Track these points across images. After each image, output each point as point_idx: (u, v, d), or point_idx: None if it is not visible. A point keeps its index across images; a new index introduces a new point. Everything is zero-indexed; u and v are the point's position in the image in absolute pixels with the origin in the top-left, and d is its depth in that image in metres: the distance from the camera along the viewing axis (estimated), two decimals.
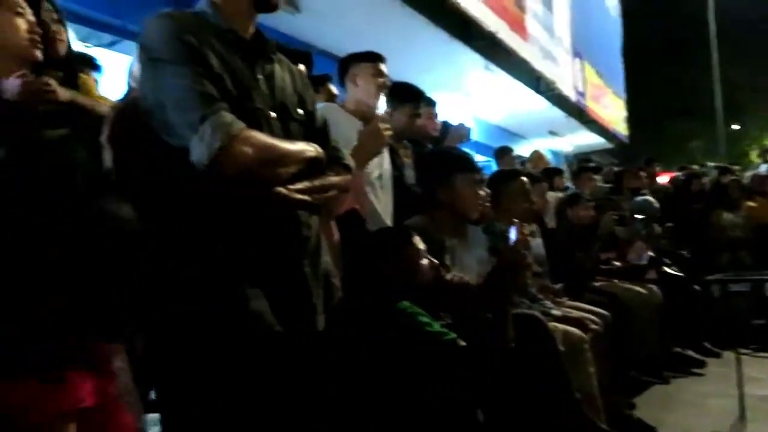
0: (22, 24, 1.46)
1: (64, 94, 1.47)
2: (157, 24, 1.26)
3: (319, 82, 2.83)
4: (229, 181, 1.20)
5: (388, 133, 2.06)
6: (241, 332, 1.22)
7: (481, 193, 2.35)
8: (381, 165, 2.35)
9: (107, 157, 1.45)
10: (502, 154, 5.66)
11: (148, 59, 1.25)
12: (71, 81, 1.63)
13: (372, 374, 1.59)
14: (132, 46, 4.16)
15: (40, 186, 1.31)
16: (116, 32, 4.26)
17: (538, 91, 9.15)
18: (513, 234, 1.72)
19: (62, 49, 1.69)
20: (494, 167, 5.38)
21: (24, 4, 1.48)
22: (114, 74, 3.05)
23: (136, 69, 1.67)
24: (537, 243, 3.25)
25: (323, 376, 1.40)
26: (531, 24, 8.64)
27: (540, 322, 2.34)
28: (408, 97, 2.90)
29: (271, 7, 1.40)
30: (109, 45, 4.35)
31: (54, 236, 1.24)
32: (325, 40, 5.24)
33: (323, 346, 1.39)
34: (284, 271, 1.32)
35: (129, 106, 1.51)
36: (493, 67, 7.51)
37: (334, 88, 3.12)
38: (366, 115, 2.26)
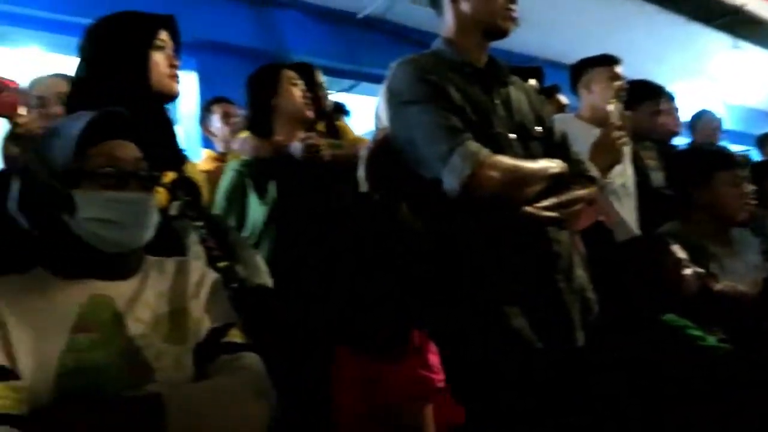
0: (297, 92, 1.87)
1: (326, 152, 1.83)
2: (402, 70, 1.40)
3: (547, 94, 2.80)
4: (479, 205, 1.27)
5: (623, 141, 1.94)
6: (503, 349, 1.27)
7: (746, 190, 2.08)
8: (624, 172, 2.23)
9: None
10: (766, 140, 4.91)
11: (397, 102, 1.39)
12: (332, 129, 1.97)
13: (638, 391, 1.50)
14: (368, 87, 4.59)
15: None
16: (354, 77, 4.72)
17: None
18: None
19: (326, 106, 2.06)
20: (756, 157, 4.69)
21: (296, 75, 1.85)
22: (355, 114, 3.41)
23: (381, 110, 1.85)
24: None
25: (586, 393, 1.38)
26: None
27: None
28: (646, 94, 2.71)
29: (502, 34, 1.45)
30: (349, 89, 4.84)
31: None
32: (549, 48, 5.15)
33: (584, 362, 1.37)
34: (539, 288, 1.34)
35: (380, 145, 1.68)
36: (742, 43, 6.59)
37: (563, 98, 3.06)
38: (603, 122, 2.17)
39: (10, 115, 1.24)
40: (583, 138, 1.95)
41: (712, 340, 1.48)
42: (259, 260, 1.46)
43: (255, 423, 0.96)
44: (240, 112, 2.77)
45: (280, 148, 1.84)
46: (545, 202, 1.32)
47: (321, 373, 1.16)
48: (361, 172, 1.68)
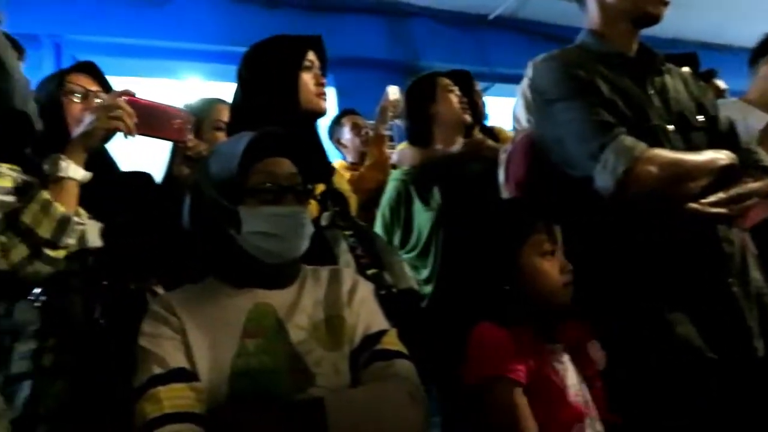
0: (454, 98, 1.94)
1: (489, 145, 1.89)
2: (546, 67, 1.35)
3: (704, 79, 2.56)
4: (637, 203, 1.18)
5: None
6: (670, 358, 1.17)
7: None
8: None
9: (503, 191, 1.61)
10: None
11: (542, 101, 1.34)
12: (489, 134, 2.09)
13: None
14: (503, 88, 4.51)
15: None
16: (487, 79, 4.66)
17: None
18: None
19: (482, 112, 2.31)
20: None
21: (451, 82, 1.96)
22: (491, 117, 3.36)
23: (519, 111, 1.81)
24: None
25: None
26: None
27: None
28: None
29: (653, 19, 1.35)
30: (483, 91, 4.77)
31: None
32: (699, 30, 4.73)
33: (765, 373, 1.22)
34: (709, 293, 1.22)
35: (520, 147, 1.63)
36: None
37: (721, 83, 2.79)
38: None
39: (181, 140, 1.37)
40: (755, 125, 1.77)
41: None
42: (405, 266, 1.49)
43: (412, 429, 0.97)
44: (369, 124, 2.87)
45: (442, 153, 1.87)
46: (712, 198, 1.20)
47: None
48: (500, 176, 1.64)
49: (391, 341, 1.07)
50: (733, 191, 1.22)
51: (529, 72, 1.70)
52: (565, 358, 1.19)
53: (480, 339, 1.15)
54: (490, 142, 1.96)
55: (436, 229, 1.72)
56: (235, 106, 1.47)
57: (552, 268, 1.19)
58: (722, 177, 1.22)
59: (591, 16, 1.41)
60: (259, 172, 1.05)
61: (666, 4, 1.34)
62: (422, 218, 1.74)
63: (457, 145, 1.88)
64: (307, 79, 1.38)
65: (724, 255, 1.24)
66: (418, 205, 1.76)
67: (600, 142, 1.20)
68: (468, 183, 1.77)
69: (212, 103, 1.69)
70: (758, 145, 1.65)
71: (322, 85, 1.41)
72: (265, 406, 0.93)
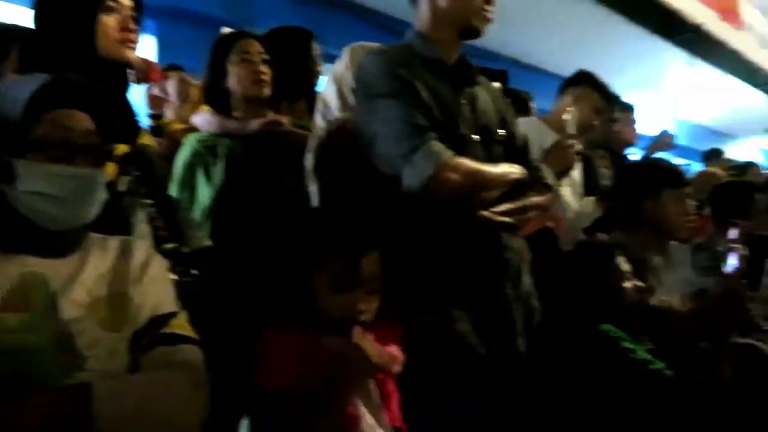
0: (244, 68, 1.73)
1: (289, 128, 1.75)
2: (373, 61, 1.37)
3: (521, 101, 2.71)
4: (438, 206, 1.26)
5: (576, 149, 1.96)
6: (448, 353, 1.28)
7: (690, 209, 2.15)
8: (572, 179, 2.27)
9: (311, 187, 1.56)
10: (712, 157, 5.10)
11: (366, 94, 1.36)
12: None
13: (572, 398, 1.54)
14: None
15: None
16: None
17: (754, 85, 8.10)
18: (733, 259, 1.57)
19: (315, 81, 2.03)
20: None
21: (254, 49, 1.74)
22: None
23: (331, 97, 1.72)
24: None
25: (524, 399, 1.40)
26: (747, 10, 7.67)
27: (761, 352, 2.07)
28: None
29: (476, 34, 1.44)
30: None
31: None
32: (513, 47, 5.18)
33: (525, 368, 1.39)
34: (487, 294, 1.35)
35: (334, 135, 1.60)
36: (697, 61, 6.84)
37: (534, 106, 2.98)
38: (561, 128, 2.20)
39: None
40: (541, 141, 1.96)
41: (642, 352, 1.52)
42: (206, 241, 1.42)
43: (188, 420, 0.93)
44: (196, 83, 2.67)
45: (236, 127, 1.75)
46: (501, 207, 1.33)
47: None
48: (308, 162, 1.58)
49: (181, 324, 1.01)
50: (519, 203, 1.36)
51: (345, 59, 1.67)
52: None
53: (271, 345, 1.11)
54: (290, 126, 1.80)
55: (213, 207, 1.63)
56: (26, 38, 1.27)
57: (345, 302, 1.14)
58: (511, 189, 1.35)
59: (421, 17, 1.45)
60: (48, 124, 0.92)
61: (489, 20, 1.43)
62: (204, 191, 1.64)
63: (255, 121, 1.73)
64: (109, 22, 1.23)
65: (503, 260, 1.38)
66: (201, 177, 1.65)
67: (412, 144, 1.26)
68: (260, 166, 1.67)
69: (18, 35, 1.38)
70: (543, 162, 1.85)
71: (131, 31, 1.27)
72: (22, 391, 0.81)
